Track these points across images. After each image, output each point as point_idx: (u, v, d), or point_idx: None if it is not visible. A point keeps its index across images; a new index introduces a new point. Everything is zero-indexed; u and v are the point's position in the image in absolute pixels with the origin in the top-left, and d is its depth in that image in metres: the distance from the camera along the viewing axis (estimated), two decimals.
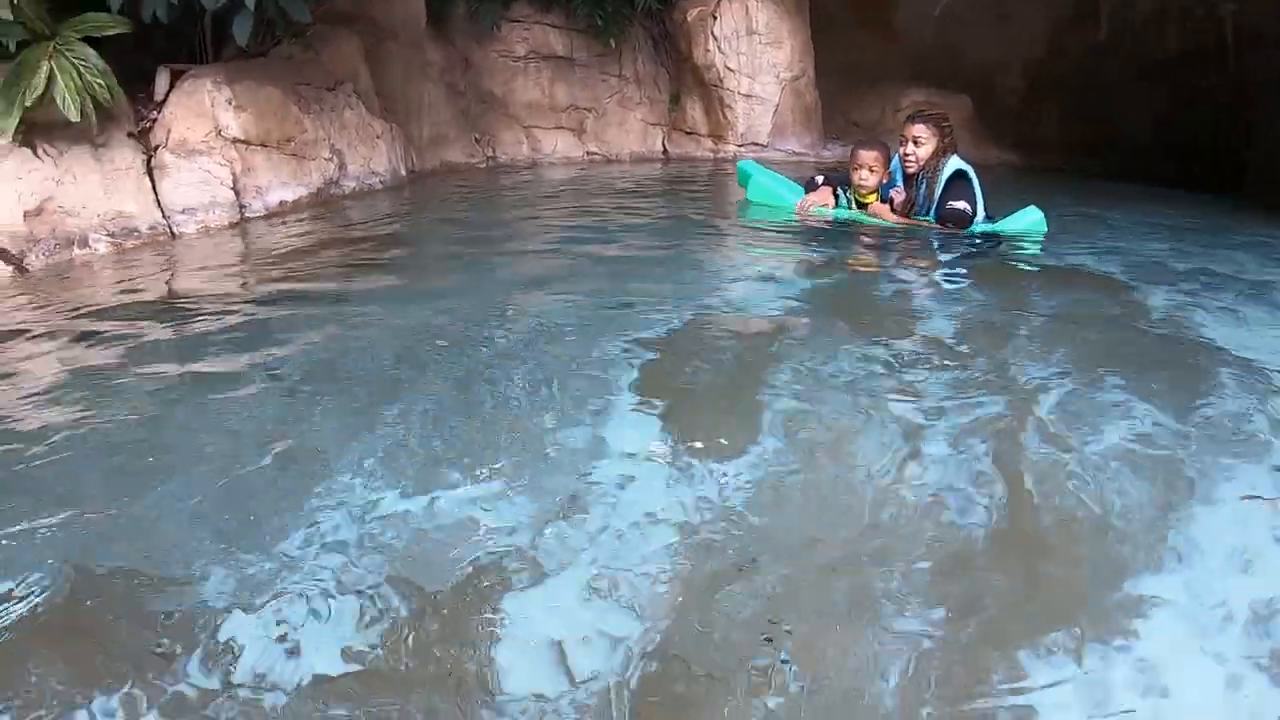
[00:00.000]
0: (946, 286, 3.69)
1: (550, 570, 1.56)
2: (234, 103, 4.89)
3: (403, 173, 6.48)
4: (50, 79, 3.88)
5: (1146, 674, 1.34)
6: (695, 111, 9.04)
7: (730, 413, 2.24)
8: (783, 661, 1.34)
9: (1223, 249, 4.60)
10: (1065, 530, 1.72)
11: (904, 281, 3.80)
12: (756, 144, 8.70)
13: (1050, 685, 1.30)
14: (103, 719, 1.23)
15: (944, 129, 4.50)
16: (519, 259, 4.27)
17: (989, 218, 4.55)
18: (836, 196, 4.93)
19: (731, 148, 8.66)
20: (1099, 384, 2.43)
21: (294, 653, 1.36)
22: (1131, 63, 8.66)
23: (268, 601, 1.47)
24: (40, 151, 4.02)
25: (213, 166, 4.75)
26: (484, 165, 7.95)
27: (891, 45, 9.66)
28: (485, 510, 1.74)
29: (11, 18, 3.82)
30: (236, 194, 4.85)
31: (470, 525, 1.69)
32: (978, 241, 4.43)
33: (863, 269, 4.07)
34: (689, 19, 8.62)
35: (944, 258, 4.18)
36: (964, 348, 2.76)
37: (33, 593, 1.48)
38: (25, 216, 3.87)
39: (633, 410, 2.22)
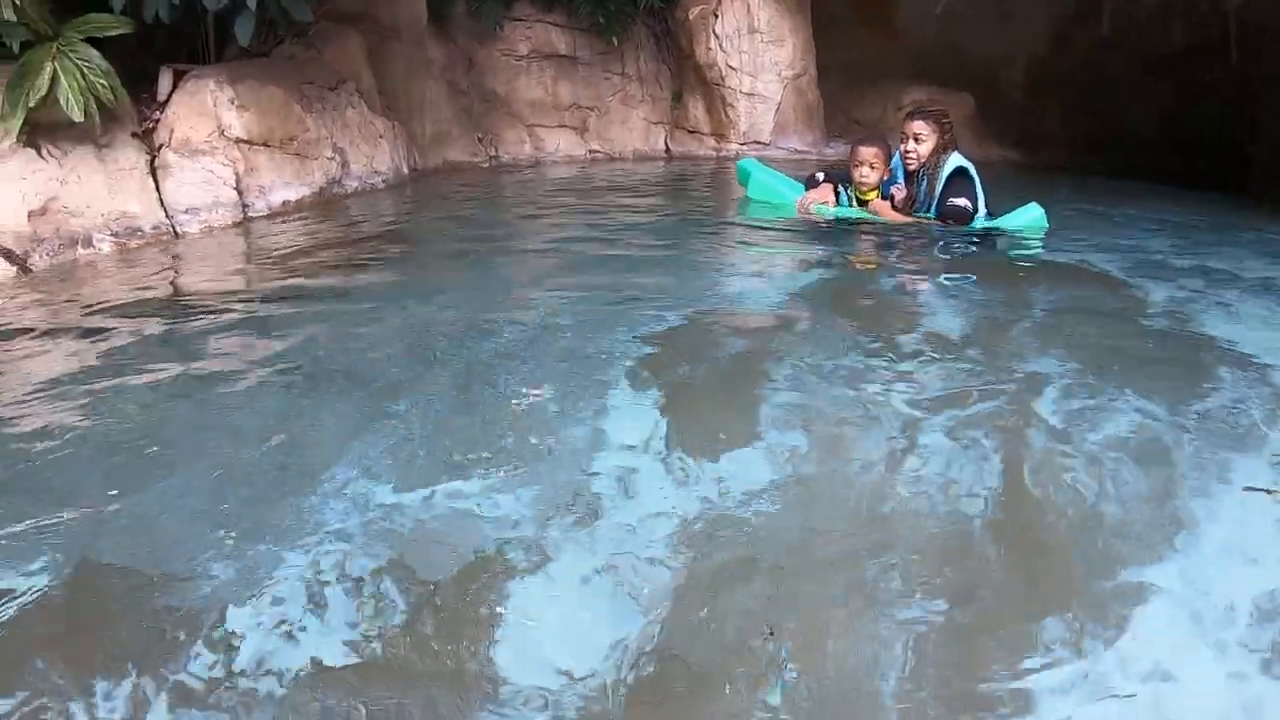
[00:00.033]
0: (947, 283, 3.69)
1: (551, 564, 1.57)
2: (237, 102, 4.91)
3: (405, 171, 6.49)
4: (54, 80, 3.90)
5: (1145, 661, 1.34)
6: (697, 110, 9.04)
7: (731, 407, 2.25)
8: (783, 660, 1.35)
9: (1226, 246, 4.60)
10: (1064, 522, 1.73)
11: (904, 278, 3.80)
12: (759, 142, 8.71)
13: (1049, 671, 1.31)
14: (105, 707, 1.24)
15: (944, 126, 4.50)
16: (521, 257, 4.29)
17: (990, 215, 4.55)
18: (837, 194, 4.93)
19: (734, 146, 8.67)
20: (1099, 379, 2.44)
21: (295, 644, 1.37)
22: (1136, 57, 8.64)
23: (269, 593, 1.48)
24: (44, 152, 4.04)
25: (216, 166, 4.76)
26: (487, 164, 7.97)
27: (893, 43, 9.65)
28: (487, 504, 1.75)
29: (15, 19, 3.84)
30: (239, 193, 4.86)
31: (471, 519, 1.70)
32: (978, 238, 4.43)
33: (863, 266, 4.08)
34: (691, 17, 8.62)
35: (945, 254, 4.18)
36: (964, 343, 2.76)
37: (36, 587, 1.49)
38: (29, 217, 3.89)
39: (634, 405, 2.23)
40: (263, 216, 4.96)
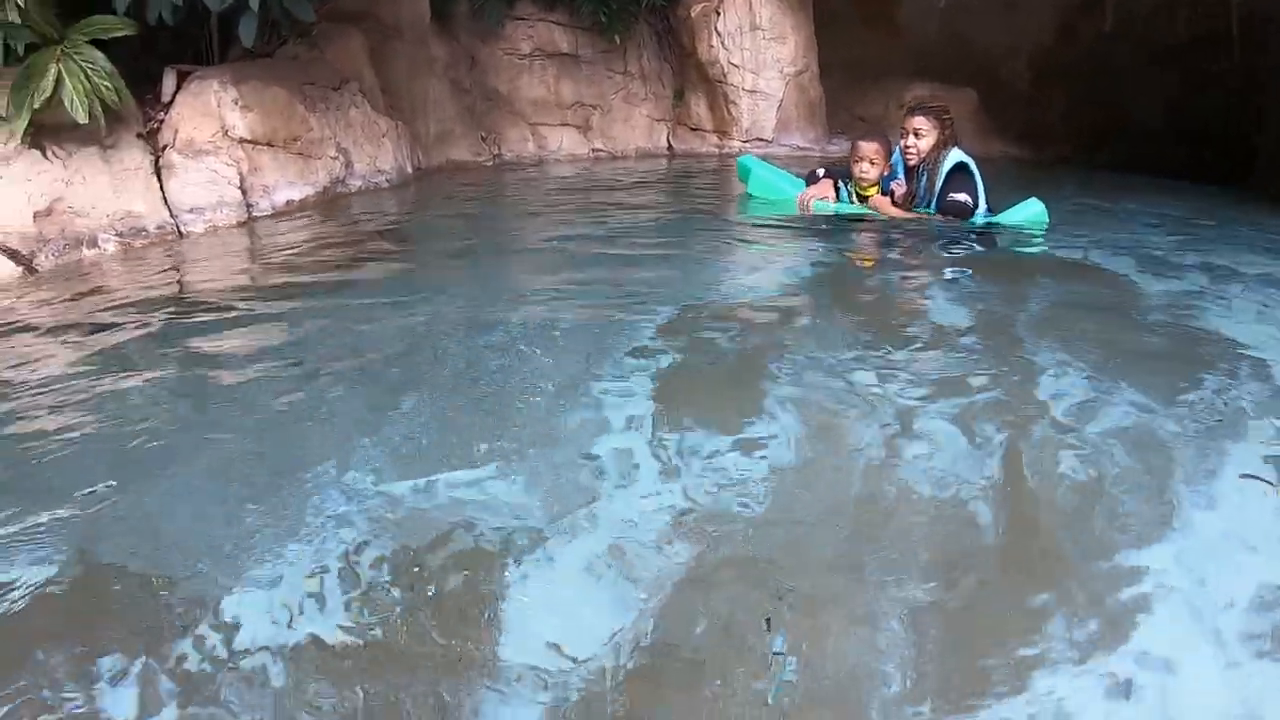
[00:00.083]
0: (947, 278, 3.70)
1: (551, 553, 1.60)
2: (240, 103, 4.94)
3: (409, 170, 6.52)
4: (58, 81, 3.94)
5: (1143, 650, 1.36)
6: (700, 107, 9.04)
7: (731, 400, 2.27)
8: (782, 655, 1.37)
9: (1228, 241, 4.58)
10: (1063, 513, 1.74)
11: (904, 274, 3.81)
12: (761, 139, 8.70)
13: (1047, 661, 1.33)
14: (108, 695, 1.27)
15: (945, 121, 4.49)
16: (524, 254, 4.31)
17: (990, 210, 4.55)
18: (837, 189, 4.93)
19: (736, 143, 8.66)
20: (1098, 372, 2.44)
21: (297, 631, 1.40)
22: (1141, 49, 8.60)
23: (271, 583, 1.51)
24: (49, 153, 4.08)
25: (220, 166, 4.80)
26: (490, 162, 7.99)
27: (895, 40, 9.63)
28: (487, 494, 1.78)
29: (19, 21, 3.89)
30: (243, 193, 4.90)
31: (472, 509, 1.73)
32: (979, 234, 4.43)
33: (863, 262, 4.08)
34: (693, 15, 8.62)
35: (945, 250, 4.18)
36: (964, 337, 2.77)
37: (39, 580, 1.52)
38: (35, 217, 3.93)
39: (635, 399, 2.25)
40: (267, 216, 4.99)
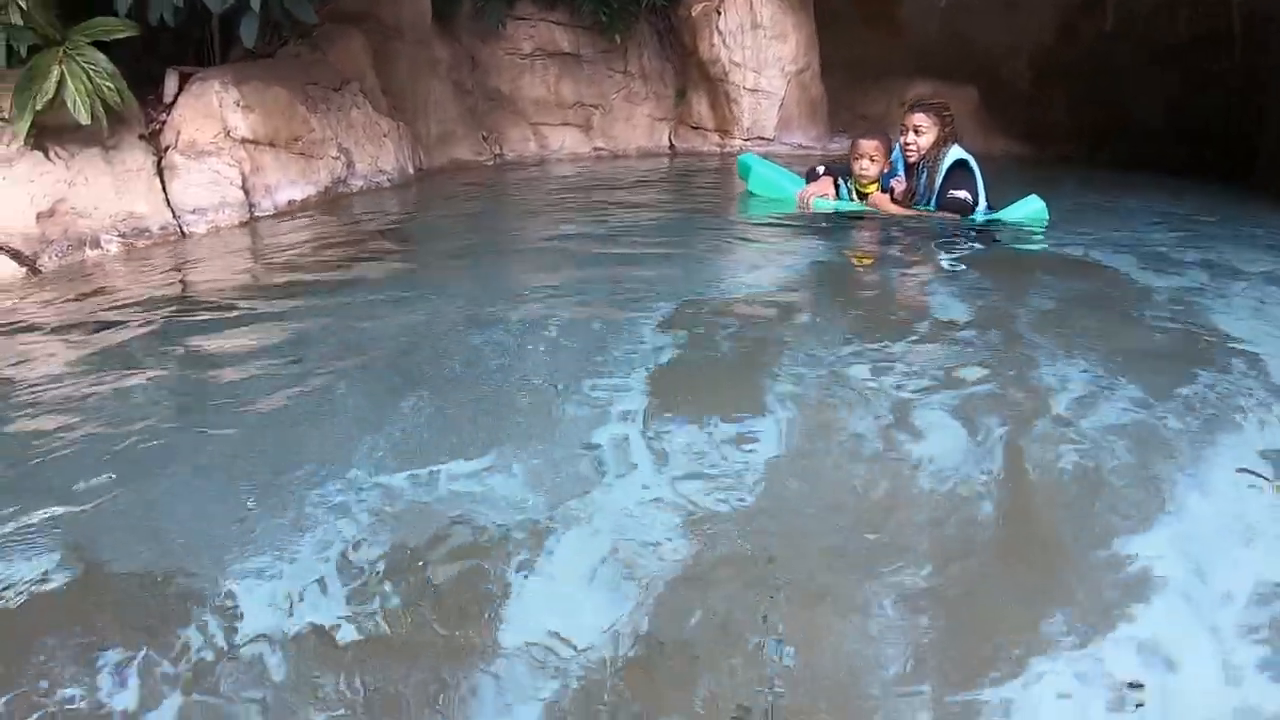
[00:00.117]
0: (947, 275, 3.70)
1: (550, 545, 1.61)
2: (242, 104, 4.95)
3: (410, 171, 6.53)
4: (61, 83, 3.95)
5: (1144, 644, 1.36)
6: (701, 106, 9.05)
7: (731, 395, 2.29)
8: (776, 643, 1.38)
9: (1230, 239, 4.58)
10: (1062, 506, 1.76)
11: (904, 271, 3.82)
12: (763, 138, 8.71)
13: (1045, 652, 1.34)
14: (112, 685, 1.28)
15: (945, 118, 4.50)
16: (525, 253, 4.32)
17: (990, 208, 4.56)
18: (837, 187, 4.94)
19: (738, 142, 8.67)
20: (1098, 368, 2.45)
21: (299, 621, 1.41)
22: (1142, 48, 8.59)
23: (274, 574, 1.53)
24: (52, 154, 4.09)
25: (222, 167, 4.82)
26: (491, 162, 8.00)
27: (896, 40, 9.62)
28: (488, 487, 1.80)
29: (22, 23, 3.90)
30: (246, 193, 4.92)
31: (473, 501, 1.75)
32: (979, 231, 4.43)
33: (863, 259, 4.09)
34: (694, 14, 8.63)
35: (945, 247, 4.19)
36: (964, 334, 2.78)
37: (43, 575, 1.54)
38: (38, 218, 3.95)
39: (635, 394, 2.27)
40: (269, 216, 5.01)
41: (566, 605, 1.46)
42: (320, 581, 1.51)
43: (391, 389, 2.32)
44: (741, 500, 1.76)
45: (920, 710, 1.24)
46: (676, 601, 1.46)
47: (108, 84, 4.10)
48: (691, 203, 5.85)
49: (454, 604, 1.46)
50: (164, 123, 4.84)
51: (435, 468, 1.87)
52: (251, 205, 4.95)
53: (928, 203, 4.56)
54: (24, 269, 3.80)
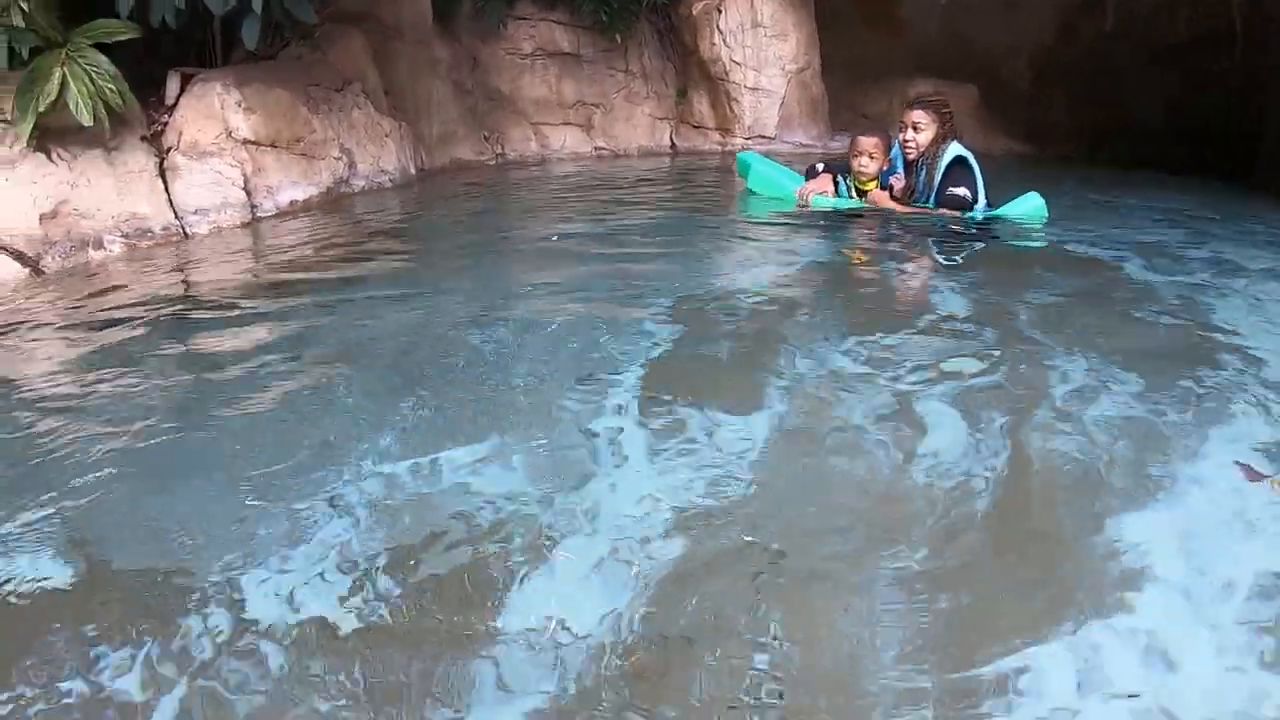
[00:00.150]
0: (945, 272, 3.71)
1: (551, 538, 1.63)
2: (244, 105, 4.97)
3: (412, 171, 6.55)
4: (63, 85, 3.97)
5: (1143, 641, 1.37)
6: (702, 105, 9.06)
7: (730, 390, 2.30)
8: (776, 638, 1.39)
9: (1232, 236, 4.58)
10: (1059, 500, 1.77)
11: (903, 267, 3.83)
12: (764, 136, 8.72)
13: (1044, 643, 1.35)
14: (115, 677, 1.30)
15: (944, 115, 4.51)
16: (526, 251, 4.33)
17: (990, 205, 4.57)
18: (837, 184, 4.96)
19: (739, 140, 8.68)
20: (1097, 363, 2.46)
21: (301, 612, 1.43)
22: (1142, 48, 8.60)
23: (276, 566, 1.55)
24: (54, 156, 4.11)
25: (224, 168, 4.83)
26: (493, 162, 8.02)
27: (896, 40, 9.64)
28: (489, 480, 1.82)
29: (24, 25, 3.92)
30: (248, 194, 4.93)
31: (474, 493, 1.77)
32: (978, 228, 4.45)
33: (861, 256, 4.10)
34: (694, 13, 8.64)
35: (943, 244, 4.20)
36: (963, 329, 2.79)
37: (46, 570, 1.55)
38: (41, 220, 3.97)
39: (635, 389, 2.28)
40: (271, 216, 5.02)
41: (566, 597, 1.47)
42: (321, 574, 1.53)
43: (392, 386, 2.34)
44: (741, 493, 1.78)
45: (919, 701, 1.25)
46: (673, 594, 1.47)
47: (110, 86, 4.12)
48: (692, 201, 5.87)
49: (454, 595, 1.47)
50: (166, 124, 4.86)
51: (435, 463, 1.89)
52: (254, 206, 4.96)
53: (927, 200, 4.58)
54: (27, 270, 3.82)
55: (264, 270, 3.89)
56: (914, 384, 2.29)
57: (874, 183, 4.80)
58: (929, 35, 9.46)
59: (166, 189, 4.57)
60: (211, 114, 4.88)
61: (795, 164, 5.81)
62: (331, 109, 5.72)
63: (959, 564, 1.56)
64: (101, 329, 2.96)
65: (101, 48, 4.16)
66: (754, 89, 8.63)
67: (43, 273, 3.86)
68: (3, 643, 1.38)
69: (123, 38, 4.23)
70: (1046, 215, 4.59)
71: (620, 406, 2.17)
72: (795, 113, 8.81)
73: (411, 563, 1.56)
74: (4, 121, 3.98)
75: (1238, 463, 1.89)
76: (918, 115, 4.50)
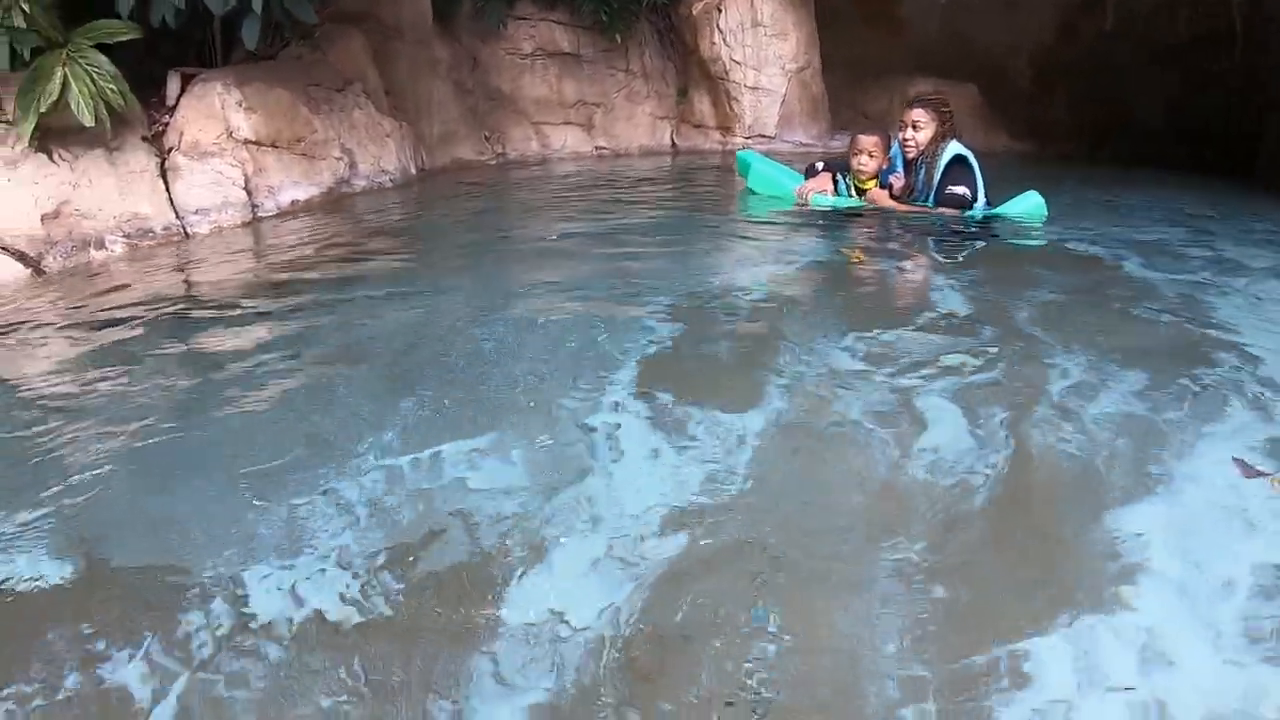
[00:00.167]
0: (945, 271, 3.72)
1: (550, 535, 1.64)
2: (244, 105, 4.98)
3: (413, 170, 6.56)
4: (64, 85, 3.98)
5: (1141, 641, 1.38)
6: (703, 104, 9.07)
7: (729, 387, 2.31)
8: (770, 623, 1.40)
9: (1232, 235, 4.58)
10: (1058, 495, 1.78)
11: (901, 265, 3.84)
12: (764, 135, 8.73)
13: (1042, 638, 1.36)
14: (116, 672, 1.31)
15: (943, 114, 4.52)
16: (527, 251, 4.34)
17: (989, 204, 4.57)
18: (836, 182, 4.97)
19: (739, 140, 8.69)
20: (1096, 360, 2.47)
21: (301, 607, 1.44)
22: (1142, 47, 8.60)
23: (276, 562, 1.55)
24: (56, 156, 4.12)
25: (225, 168, 4.84)
26: (494, 162, 8.02)
27: (896, 39, 9.64)
28: (489, 476, 1.84)
29: (25, 26, 3.93)
30: (249, 194, 4.94)
31: (473, 488, 1.78)
32: (978, 226, 4.45)
33: (860, 255, 4.10)
34: (694, 12, 8.65)
35: (942, 242, 4.21)
36: (962, 327, 2.80)
37: (47, 567, 1.56)
38: (43, 220, 3.98)
39: (636, 386, 2.30)
40: (272, 216, 5.03)
41: (565, 592, 1.48)
42: (322, 570, 1.53)
43: (392, 385, 2.35)
44: (740, 489, 1.79)
45: (918, 695, 1.26)
46: (671, 589, 1.48)
47: (111, 86, 4.13)
48: (692, 200, 5.87)
49: (454, 591, 1.48)
50: (167, 124, 4.87)
51: (435, 460, 1.90)
52: (254, 206, 4.97)
53: (926, 198, 4.58)
54: (29, 270, 3.83)
55: (265, 270, 3.90)
56: (913, 381, 2.30)
57: (873, 181, 4.80)
58: (929, 34, 9.47)
59: (167, 189, 4.58)
60: (212, 114, 4.89)
61: (795, 163, 5.82)
62: (332, 109, 5.73)
63: (958, 560, 1.56)
64: (102, 328, 2.97)
65: (102, 48, 4.17)
66: (754, 88, 8.64)
67: (44, 273, 3.87)
68: (3, 640, 1.39)
69: (123, 38, 4.24)
70: (1046, 213, 4.60)
71: (620, 404, 2.18)
72: (796, 112, 8.82)
73: (411, 559, 1.57)
74: (5, 122, 4.00)
75: (1235, 459, 1.90)
76: (917, 114, 4.51)
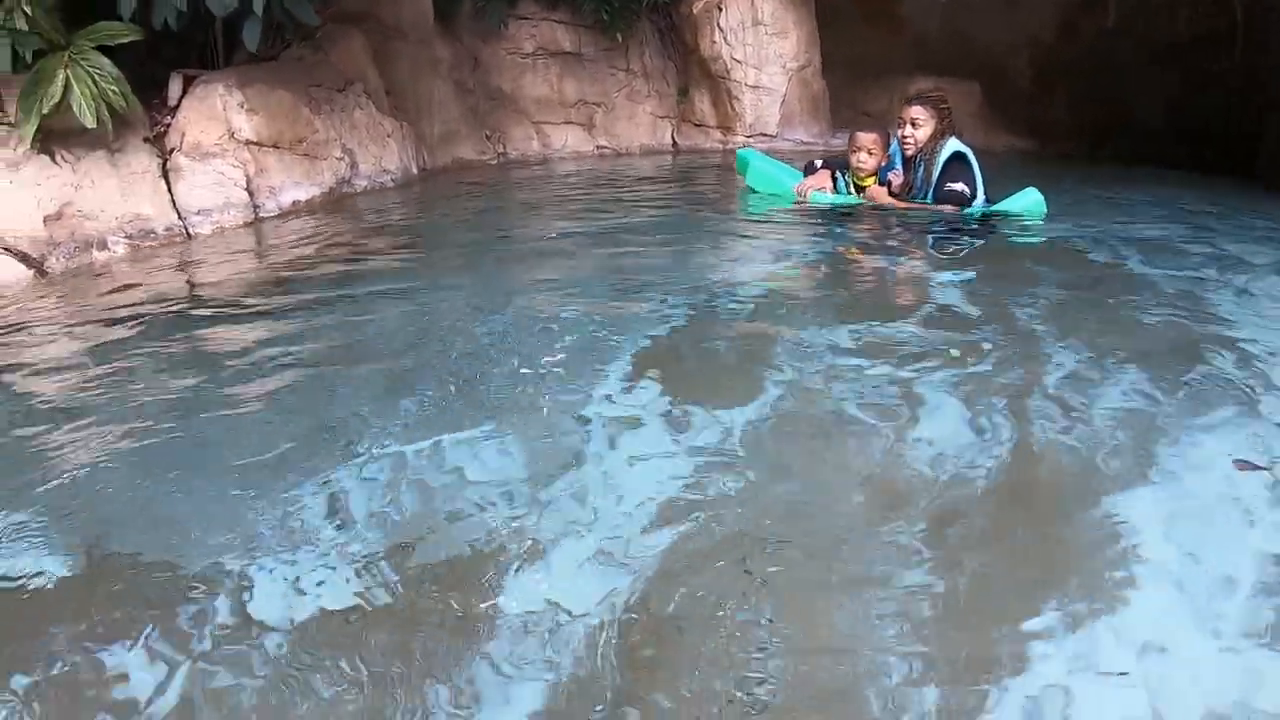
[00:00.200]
0: (944, 267, 3.72)
1: (550, 525, 1.65)
2: (246, 106, 5.00)
3: (414, 170, 6.57)
4: (66, 87, 3.99)
5: (1139, 632, 1.38)
6: (703, 103, 9.08)
7: (728, 384, 2.33)
8: (767, 621, 1.41)
9: (1232, 232, 4.58)
10: (1057, 493, 1.79)
11: (900, 263, 3.84)
12: (765, 134, 8.73)
13: (1041, 636, 1.36)
14: (119, 665, 1.32)
15: (942, 111, 4.52)
16: (527, 249, 4.36)
17: (988, 201, 4.58)
18: (835, 180, 4.97)
19: (740, 139, 8.69)
20: (1095, 357, 2.48)
21: (302, 600, 1.45)
22: (1143, 47, 8.59)
23: (277, 556, 1.57)
24: (58, 158, 4.14)
25: (226, 168, 4.86)
26: (495, 161, 8.04)
27: (897, 38, 9.65)
28: (489, 470, 1.85)
29: (27, 28, 3.95)
30: (250, 195, 4.96)
31: (473, 484, 1.80)
32: (977, 223, 4.45)
33: (859, 252, 4.11)
34: (695, 11, 8.66)
35: (942, 239, 4.21)
36: (961, 323, 2.81)
37: (50, 565, 1.57)
38: (45, 221, 3.99)
39: (635, 384, 2.31)
40: (273, 216, 5.05)
41: (562, 583, 1.49)
42: (323, 564, 1.55)
43: (392, 383, 2.36)
44: (738, 482, 1.79)
45: (916, 683, 1.26)
46: (669, 581, 1.49)
47: (113, 88, 4.14)
48: (693, 199, 5.89)
49: (453, 581, 1.50)
50: (168, 125, 4.88)
51: (435, 455, 1.92)
52: (256, 206, 4.99)
53: (925, 195, 4.59)
54: (31, 271, 3.85)
55: (266, 270, 3.91)
56: (912, 376, 2.31)
57: (872, 178, 4.81)
58: (930, 33, 9.47)
59: (169, 190, 4.60)
60: (214, 115, 4.90)
61: (796, 161, 5.82)
62: (333, 109, 5.75)
63: (956, 551, 1.57)
64: (105, 328, 2.98)
65: (104, 50, 4.18)
66: (755, 87, 8.65)
67: (47, 274, 3.89)
68: (6, 636, 1.40)
69: (125, 40, 4.26)
70: (1045, 210, 4.60)
71: (619, 399, 2.19)
72: (796, 110, 8.82)
73: (411, 551, 1.58)
74: (8, 124, 4.01)
75: (1234, 460, 1.90)
76: (916, 111, 4.52)
